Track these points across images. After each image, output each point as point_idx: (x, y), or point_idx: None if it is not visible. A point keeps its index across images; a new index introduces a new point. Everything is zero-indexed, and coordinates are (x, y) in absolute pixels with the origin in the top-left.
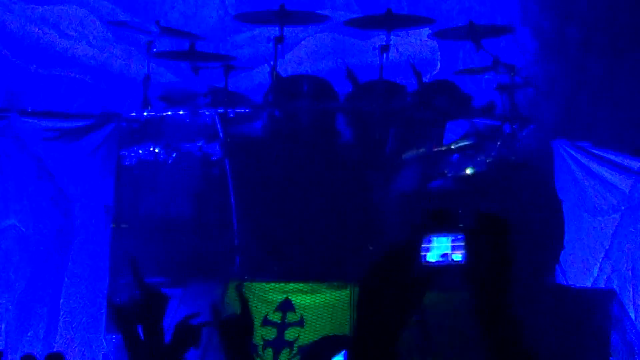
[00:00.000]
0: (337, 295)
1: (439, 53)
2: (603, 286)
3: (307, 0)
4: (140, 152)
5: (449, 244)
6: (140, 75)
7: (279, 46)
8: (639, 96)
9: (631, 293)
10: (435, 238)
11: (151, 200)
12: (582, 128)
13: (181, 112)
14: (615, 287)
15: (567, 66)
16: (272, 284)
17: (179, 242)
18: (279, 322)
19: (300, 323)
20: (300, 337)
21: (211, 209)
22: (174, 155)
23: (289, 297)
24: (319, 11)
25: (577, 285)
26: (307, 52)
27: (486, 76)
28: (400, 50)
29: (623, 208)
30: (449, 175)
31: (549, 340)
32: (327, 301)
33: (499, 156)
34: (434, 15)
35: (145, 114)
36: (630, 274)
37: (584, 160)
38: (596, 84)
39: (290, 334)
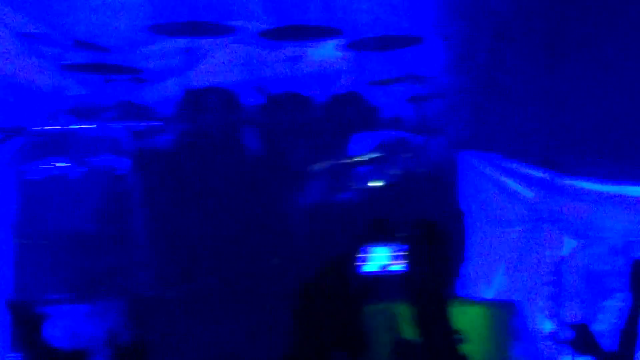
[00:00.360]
0: None
1: (349, 64)
2: (505, 298)
3: (219, 12)
4: (48, 166)
5: (389, 255)
6: (49, 88)
7: (189, 58)
8: (546, 107)
9: (533, 305)
10: (374, 249)
11: (58, 216)
12: (490, 139)
13: (90, 126)
14: (517, 298)
15: (476, 78)
16: None
17: (85, 257)
18: None
19: None
20: None
21: (117, 224)
22: (82, 170)
23: None
24: (230, 23)
25: (479, 297)
26: (217, 64)
27: (397, 87)
28: (311, 61)
29: (527, 219)
30: (357, 187)
31: (445, 353)
32: None
33: (407, 168)
34: (346, 27)
35: (52, 127)
36: (532, 286)
37: (490, 172)
38: (504, 95)
39: None
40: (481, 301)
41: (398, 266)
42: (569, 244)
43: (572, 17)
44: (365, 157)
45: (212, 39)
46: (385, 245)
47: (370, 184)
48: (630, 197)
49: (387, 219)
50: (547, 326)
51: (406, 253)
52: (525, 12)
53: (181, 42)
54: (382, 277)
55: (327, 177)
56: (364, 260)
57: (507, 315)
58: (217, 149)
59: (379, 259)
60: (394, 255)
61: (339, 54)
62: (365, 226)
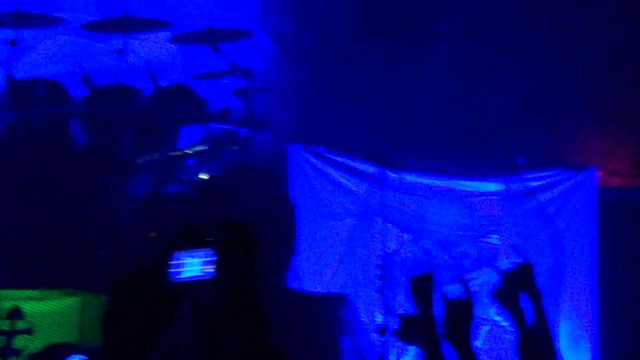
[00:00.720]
0: (68, 302)
1: (177, 57)
2: (336, 290)
3: (44, 3)
4: None
5: (200, 263)
6: None
7: (14, 49)
8: (374, 102)
9: (363, 298)
10: (186, 257)
11: None
12: (319, 133)
13: None
14: (347, 291)
15: (304, 71)
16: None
17: None
18: (7, 329)
19: (29, 331)
20: (30, 345)
21: None
22: None
23: (18, 305)
24: (56, 14)
25: (310, 289)
26: (43, 55)
27: (224, 80)
28: (137, 54)
29: (357, 212)
30: (184, 180)
31: (279, 346)
32: (57, 308)
33: (235, 161)
34: (173, 19)
35: None
36: (362, 278)
37: (319, 165)
38: (335, 89)
39: (18, 342)
40: (311, 294)
41: (209, 270)
42: (398, 237)
43: (403, 15)
44: (193, 150)
45: (38, 31)
46: (196, 254)
47: (199, 176)
48: (458, 191)
49: (194, 225)
50: (378, 318)
51: (215, 257)
52: (355, 8)
53: (7, 32)
54: (196, 281)
55: (153, 170)
56: (178, 267)
57: (337, 308)
58: (43, 140)
59: (192, 267)
60: (205, 262)
61: (166, 46)
62: (175, 233)
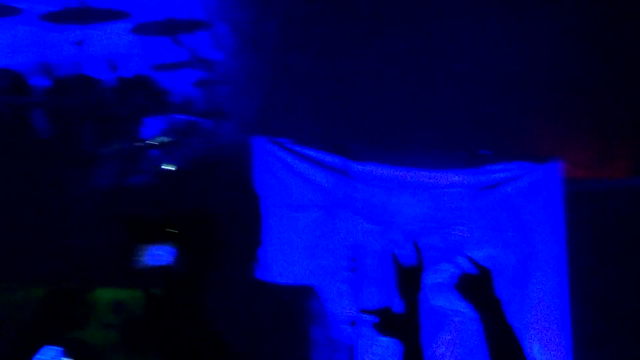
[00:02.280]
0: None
1: (137, 48)
2: (304, 282)
3: None
4: None
5: (162, 253)
6: None
7: None
8: (338, 93)
9: (332, 289)
10: (153, 249)
11: None
12: (282, 124)
13: None
14: (316, 283)
15: (266, 62)
16: None
17: None
18: None
19: None
20: None
21: None
22: None
23: None
24: (15, 4)
25: (277, 281)
26: (3, 45)
27: (185, 71)
28: (97, 44)
29: (323, 204)
30: (147, 170)
31: (247, 337)
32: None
33: (198, 152)
34: (132, 10)
35: None
36: (330, 270)
37: (284, 157)
38: (297, 80)
39: None
40: (278, 285)
41: (170, 258)
42: (365, 230)
43: (366, 5)
44: (155, 141)
45: None
46: (162, 247)
47: (162, 167)
48: (423, 182)
49: (156, 216)
50: (347, 310)
51: (175, 247)
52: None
53: None
54: (158, 269)
55: (116, 161)
56: (139, 255)
57: (305, 300)
58: (5, 130)
59: (153, 254)
60: (170, 252)
61: (126, 37)
62: (138, 224)
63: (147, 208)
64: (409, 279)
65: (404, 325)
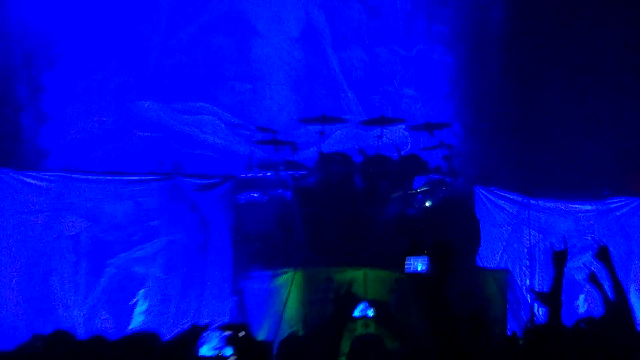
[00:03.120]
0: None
1: (409, 138)
2: (503, 266)
3: (338, 109)
4: (247, 196)
5: (422, 263)
6: (246, 152)
7: (322, 136)
8: (527, 149)
9: (517, 271)
10: (412, 259)
11: (253, 223)
12: (492, 177)
13: (269, 173)
14: (509, 267)
15: (481, 144)
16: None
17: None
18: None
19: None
20: None
21: (284, 228)
22: (266, 198)
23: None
24: (343, 116)
25: (489, 266)
26: (338, 139)
27: (436, 150)
28: (388, 137)
29: (511, 224)
30: (416, 207)
31: (476, 303)
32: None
33: (444, 197)
34: (406, 117)
35: (248, 174)
36: (517, 260)
37: (491, 197)
38: (501, 149)
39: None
40: (489, 269)
41: (423, 267)
42: (537, 238)
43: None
44: (420, 190)
45: (334, 125)
46: (419, 258)
47: (424, 205)
48: (571, 209)
49: (418, 242)
50: (527, 284)
51: (429, 261)
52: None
53: (317, 127)
54: (416, 273)
55: (400, 202)
56: (409, 264)
57: (505, 277)
58: (339, 186)
59: (418, 265)
60: (423, 263)
61: (403, 133)
62: (409, 247)
63: (415, 232)
64: (558, 263)
65: (553, 295)
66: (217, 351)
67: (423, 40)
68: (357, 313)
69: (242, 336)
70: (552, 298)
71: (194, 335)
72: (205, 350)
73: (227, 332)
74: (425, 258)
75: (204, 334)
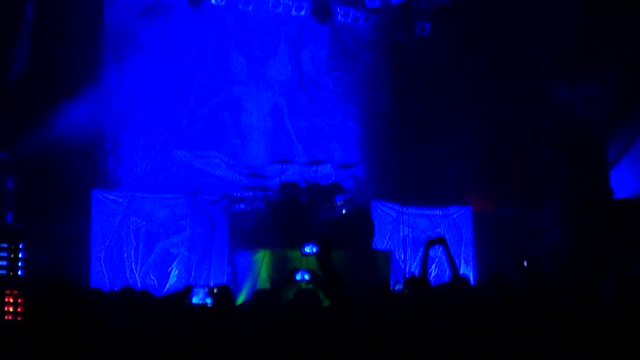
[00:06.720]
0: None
1: (334, 173)
2: (388, 248)
3: (291, 155)
4: (238, 207)
5: (313, 248)
6: (237, 181)
7: (282, 171)
8: (404, 166)
9: (396, 251)
10: (310, 246)
11: (241, 223)
12: (381, 194)
13: (251, 193)
14: (391, 249)
15: (374, 174)
16: None
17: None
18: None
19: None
20: None
21: (260, 225)
22: (249, 208)
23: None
24: (295, 159)
25: (380, 249)
26: (291, 173)
27: (349, 180)
28: (321, 172)
29: (391, 222)
30: (337, 213)
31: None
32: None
33: (353, 207)
34: (332, 160)
35: (239, 194)
36: (396, 245)
37: (380, 207)
38: (386, 176)
39: None
40: (379, 250)
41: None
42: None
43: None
44: (339, 203)
45: (290, 165)
46: (314, 245)
47: (342, 211)
48: (428, 214)
49: (324, 237)
50: (403, 264)
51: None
52: None
53: (279, 166)
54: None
55: (328, 209)
56: (306, 248)
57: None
58: (292, 201)
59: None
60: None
61: (330, 170)
62: (322, 242)
63: (336, 226)
64: (426, 246)
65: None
66: (202, 301)
67: (340, 115)
68: (298, 277)
69: (217, 292)
70: (422, 265)
71: (188, 291)
72: (195, 300)
73: (208, 289)
74: (316, 245)
75: (194, 290)
